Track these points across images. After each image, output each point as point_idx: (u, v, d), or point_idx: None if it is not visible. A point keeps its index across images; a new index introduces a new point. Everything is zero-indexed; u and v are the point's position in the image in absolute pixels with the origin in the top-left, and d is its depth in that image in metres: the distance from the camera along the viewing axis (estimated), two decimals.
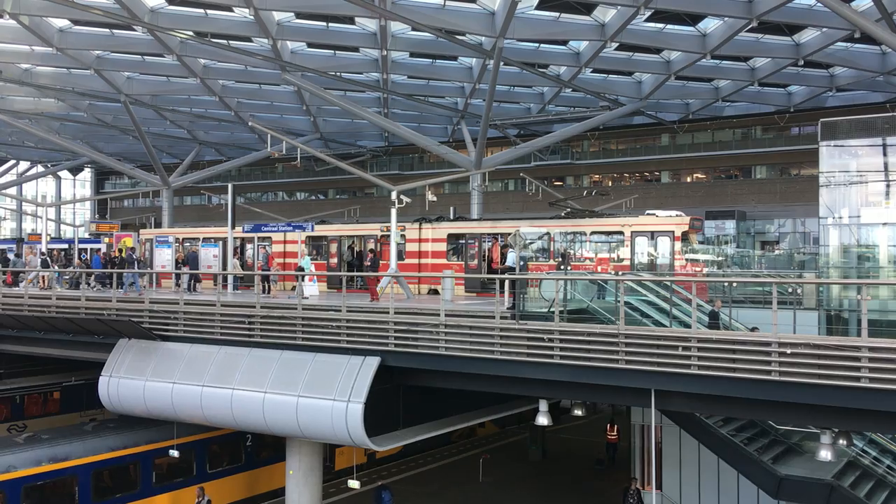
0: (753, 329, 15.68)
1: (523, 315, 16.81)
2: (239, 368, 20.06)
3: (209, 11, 33.09)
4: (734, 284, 20.43)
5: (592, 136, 56.21)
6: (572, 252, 27.46)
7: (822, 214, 17.97)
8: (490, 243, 28.88)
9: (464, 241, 29.70)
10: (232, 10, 32.41)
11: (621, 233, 26.56)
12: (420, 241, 30.32)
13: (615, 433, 30.85)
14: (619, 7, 30.59)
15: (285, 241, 33.25)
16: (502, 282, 18.14)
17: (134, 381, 21.71)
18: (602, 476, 29.47)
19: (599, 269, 25.41)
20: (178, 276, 26.78)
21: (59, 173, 79.97)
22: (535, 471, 30.72)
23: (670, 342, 14.69)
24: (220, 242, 31.48)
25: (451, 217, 34.83)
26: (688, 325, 15.26)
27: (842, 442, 15.66)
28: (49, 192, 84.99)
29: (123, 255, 31.84)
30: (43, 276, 30.66)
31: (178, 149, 61.13)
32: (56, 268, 31.79)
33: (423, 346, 17.74)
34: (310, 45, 36.97)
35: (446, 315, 17.49)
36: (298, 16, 33.26)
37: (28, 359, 29.94)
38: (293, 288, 26.25)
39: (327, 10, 31.52)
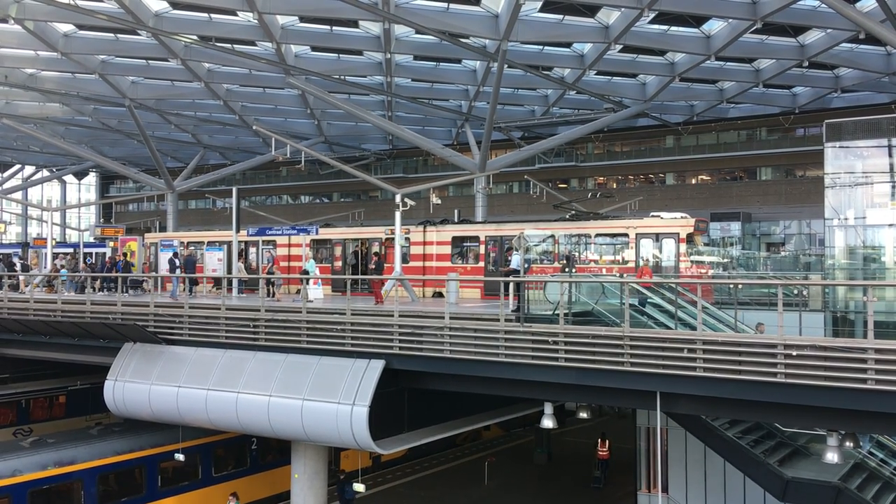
0: (759, 326, 15.64)
1: (528, 318, 16.79)
2: (244, 372, 20.07)
3: (213, 15, 33.13)
4: (739, 286, 20.36)
5: (597, 138, 56.12)
6: (577, 254, 27.43)
7: (827, 216, 17.92)
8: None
9: (488, 244, 29.44)
10: (236, 14, 32.45)
11: (626, 235, 26.52)
12: (424, 243, 30.31)
13: (606, 449, 29.10)
14: (622, 9, 30.54)
15: (290, 245, 33.27)
16: (507, 284, 18.11)
17: (139, 384, 21.74)
18: (605, 478, 28.98)
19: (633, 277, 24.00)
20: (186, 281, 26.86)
21: (64, 178, 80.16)
22: (540, 474, 30.65)
23: (676, 344, 14.66)
24: (225, 246, 31.55)
25: (456, 220, 34.83)
26: (693, 328, 15.21)
27: (848, 444, 15.60)
28: (54, 197, 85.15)
29: (128, 258, 31.97)
30: (22, 281, 30.85)
31: (183, 153, 61.24)
32: (66, 271, 31.83)
33: (427, 349, 17.73)
34: (314, 48, 37.00)
35: (451, 318, 17.47)
36: (302, 19, 33.27)
37: (34, 363, 30.00)
38: (298, 291, 26.27)
39: (331, 13, 31.52)
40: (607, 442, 29.29)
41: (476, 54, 35.20)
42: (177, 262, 28.28)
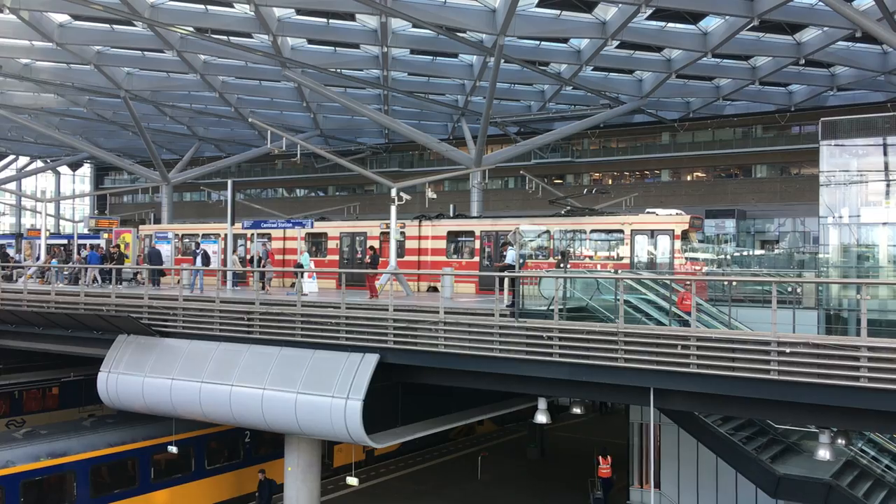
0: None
1: (522, 313, 16.80)
2: (238, 365, 20.05)
3: (209, 7, 33.02)
4: (734, 283, 20.41)
5: (593, 134, 56.16)
6: (572, 250, 27.43)
7: (822, 214, 17.97)
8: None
9: (483, 239, 29.34)
10: (232, 7, 32.36)
11: (621, 231, 26.53)
12: (420, 238, 30.29)
13: (609, 467, 25.11)
14: (620, 5, 30.54)
15: (285, 238, 33.20)
16: (501, 279, 18.10)
17: (133, 376, 21.69)
18: (608, 502, 25.23)
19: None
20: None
21: (59, 169, 79.88)
22: (533, 469, 30.73)
23: (670, 341, 14.68)
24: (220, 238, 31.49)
25: (451, 214, 34.81)
26: (687, 324, 15.24)
27: (840, 441, 15.67)
28: (48, 188, 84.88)
29: (122, 250, 31.86)
30: None
31: (178, 145, 61.06)
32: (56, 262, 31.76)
33: (422, 343, 17.72)
34: (310, 41, 36.92)
35: (445, 313, 17.47)
36: (299, 12, 33.19)
37: (27, 354, 29.93)
38: (292, 284, 26.23)
39: (328, 6, 31.46)
40: (609, 458, 25.27)
41: (473, 49, 35.17)
42: (197, 251, 28.34)
